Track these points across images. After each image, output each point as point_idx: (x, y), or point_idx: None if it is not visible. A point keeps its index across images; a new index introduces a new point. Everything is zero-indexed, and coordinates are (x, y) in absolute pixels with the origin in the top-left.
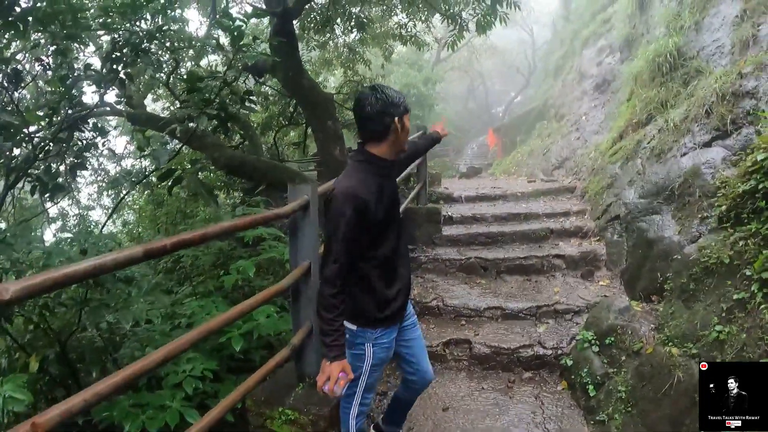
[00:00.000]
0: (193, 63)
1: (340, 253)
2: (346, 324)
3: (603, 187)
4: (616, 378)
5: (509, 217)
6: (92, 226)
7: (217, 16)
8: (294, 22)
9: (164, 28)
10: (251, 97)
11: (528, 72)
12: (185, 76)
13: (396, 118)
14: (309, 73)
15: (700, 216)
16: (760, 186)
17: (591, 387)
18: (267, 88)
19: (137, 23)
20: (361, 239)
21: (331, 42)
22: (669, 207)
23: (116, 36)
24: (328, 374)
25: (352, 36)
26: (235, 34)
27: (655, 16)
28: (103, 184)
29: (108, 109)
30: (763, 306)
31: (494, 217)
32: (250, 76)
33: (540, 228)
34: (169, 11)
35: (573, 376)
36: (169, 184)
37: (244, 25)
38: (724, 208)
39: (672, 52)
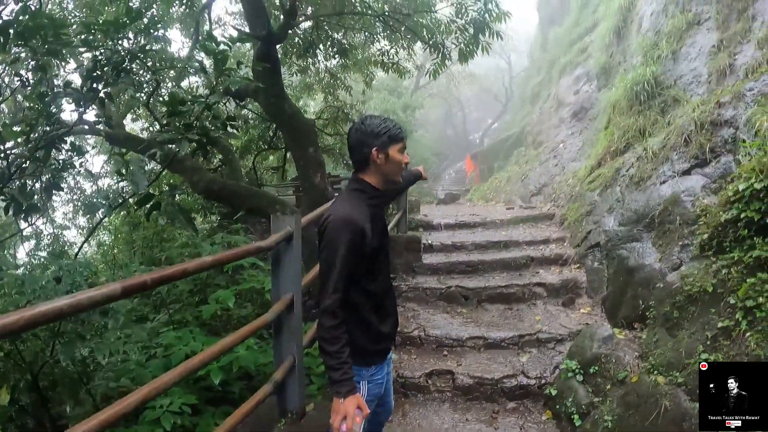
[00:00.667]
0: (174, 84)
1: (339, 282)
2: None
3: (582, 214)
4: (602, 407)
5: (489, 245)
6: (67, 246)
7: (201, 38)
8: (277, 46)
9: (146, 47)
10: (233, 122)
11: (505, 99)
12: (166, 98)
13: (375, 149)
14: (290, 97)
15: (680, 243)
16: (743, 215)
17: (576, 417)
18: (247, 111)
19: (119, 42)
20: (357, 269)
21: (312, 67)
22: (649, 234)
23: (98, 54)
24: (344, 413)
25: (334, 62)
26: (219, 57)
27: (633, 45)
28: (79, 204)
29: (86, 127)
30: (748, 334)
31: (474, 245)
32: (230, 98)
33: (520, 256)
34: (152, 31)
35: (558, 406)
36: (147, 209)
37: (229, 50)
38: (706, 236)
39: (649, 81)
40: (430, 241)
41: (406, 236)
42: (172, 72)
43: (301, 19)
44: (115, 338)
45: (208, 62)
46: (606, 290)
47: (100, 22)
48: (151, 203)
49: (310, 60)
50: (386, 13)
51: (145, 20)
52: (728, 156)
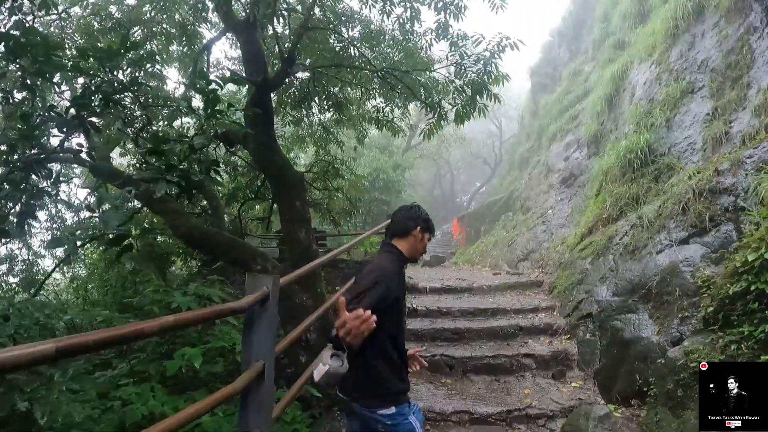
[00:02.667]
0: (166, 123)
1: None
2: (385, 412)
3: (573, 282)
4: None
5: (476, 312)
6: (39, 275)
7: (194, 78)
8: (272, 95)
9: (140, 80)
10: (217, 167)
11: (494, 163)
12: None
13: (419, 228)
14: (281, 148)
15: (680, 316)
16: (752, 287)
17: None
18: (236, 158)
19: (113, 72)
20: (384, 318)
21: (306, 119)
22: (646, 306)
23: (88, 81)
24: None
25: (328, 115)
26: (210, 97)
27: (625, 113)
28: (57, 233)
29: (71, 156)
30: None
31: (461, 311)
32: (221, 143)
33: (508, 325)
34: (147, 65)
35: None
36: (119, 250)
37: (220, 90)
38: (711, 309)
39: (643, 149)
40: (415, 305)
41: None
42: (165, 110)
43: (298, 68)
44: (59, 392)
45: (199, 103)
46: (599, 363)
47: (96, 48)
48: (123, 245)
49: (304, 112)
50: (384, 69)
51: (142, 53)
52: (729, 225)
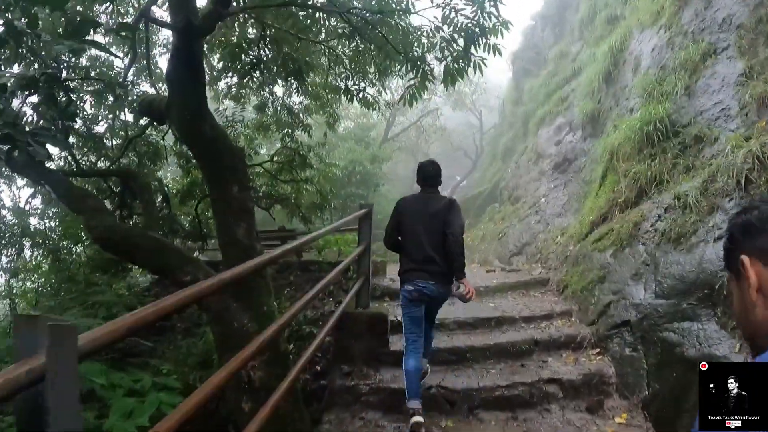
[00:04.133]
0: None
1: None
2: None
3: (591, 281)
4: None
5: (477, 322)
6: None
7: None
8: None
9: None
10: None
11: (475, 156)
12: None
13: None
14: (243, 137)
15: None
16: None
17: None
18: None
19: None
20: None
21: (270, 104)
22: (711, 312)
23: None
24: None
25: (296, 99)
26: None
27: (628, 87)
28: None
29: None
30: None
31: (457, 323)
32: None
33: (521, 339)
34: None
35: None
36: None
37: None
38: None
39: (663, 120)
40: (399, 317)
41: (369, 313)
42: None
43: (234, 7)
44: None
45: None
46: (648, 389)
47: None
48: None
49: (266, 92)
50: (352, 10)
51: None
52: None
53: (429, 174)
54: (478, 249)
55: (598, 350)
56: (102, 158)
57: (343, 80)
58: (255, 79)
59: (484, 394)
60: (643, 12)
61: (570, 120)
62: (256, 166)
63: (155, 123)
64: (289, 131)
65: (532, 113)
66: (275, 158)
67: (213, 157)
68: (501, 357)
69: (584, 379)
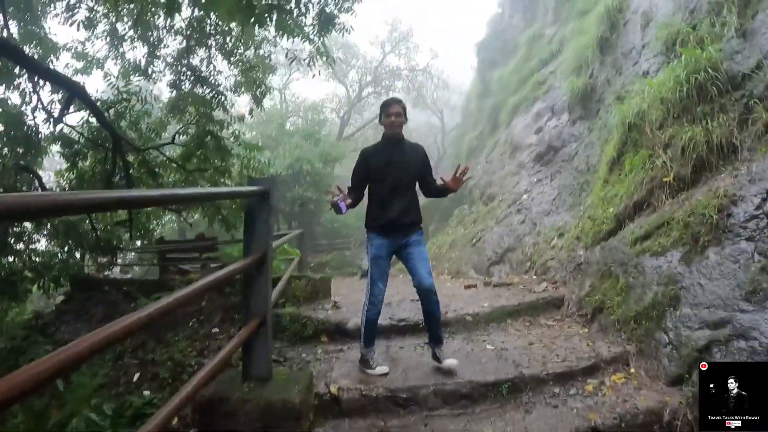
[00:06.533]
0: None
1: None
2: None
3: (653, 303)
4: None
5: (476, 391)
6: None
7: None
8: None
9: None
10: None
11: (437, 157)
12: None
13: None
14: (137, 118)
15: None
16: None
17: None
18: (72, 130)
19: None
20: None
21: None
22: None
23: None
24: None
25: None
26: None
27: (635, 49)
28: None
29: None
30: None
31: (442, 394)
32: None
33: (564, 429)
34: None
35: None
36: None
37: None
38: None
39: (717, 67)
40: (338, 382)
41: (264, 400)
42: None
43: None
44: None
45: None
46: None
47: None
48: None
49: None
50: None
51: None
52: None
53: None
54: (447, 257)
55: None
56: None
57: None
58: None
59: None
60: None
61: (551, 104)
62: (151, 149)
63: None
64: (206, 109)
65: (502, 103)
66: (181, 137)
67: None
68: None
69: None
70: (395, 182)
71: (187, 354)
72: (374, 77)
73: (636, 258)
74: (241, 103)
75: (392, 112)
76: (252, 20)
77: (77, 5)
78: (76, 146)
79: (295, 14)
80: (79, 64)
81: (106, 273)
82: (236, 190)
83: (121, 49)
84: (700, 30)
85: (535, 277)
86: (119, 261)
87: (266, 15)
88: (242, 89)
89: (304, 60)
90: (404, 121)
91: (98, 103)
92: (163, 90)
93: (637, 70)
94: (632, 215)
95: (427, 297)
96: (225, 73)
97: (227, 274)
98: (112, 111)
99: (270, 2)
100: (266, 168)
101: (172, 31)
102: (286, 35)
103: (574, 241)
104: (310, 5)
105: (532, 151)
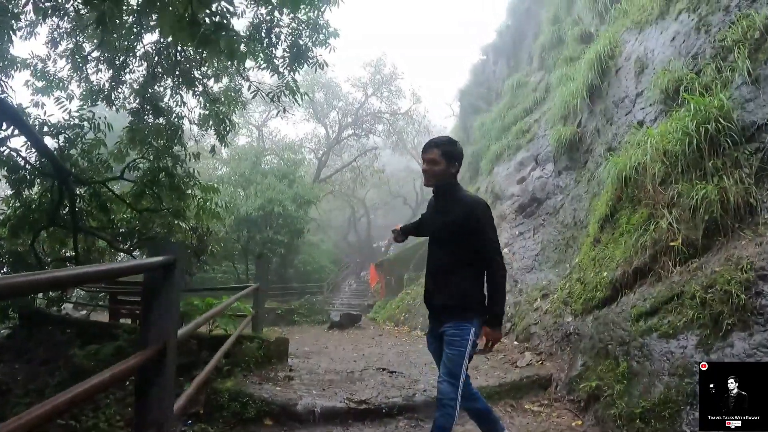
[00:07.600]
0: None
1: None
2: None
3: (666, 401)
4: None
5: None
6: None
7: None
8: None
9: None
10: None
11: (415, 203)
12: None
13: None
14: (89, 148)
15: None
16: None
17: None
18: (17, 155)
19: None
20: None
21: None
22: None
23: None
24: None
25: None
26: None
27: (628, 97)
28: None
29: None
30: None
31: None
32: None
33: None
34: None
35: None
36: None
37: None
38: None
39: (729, 115)
40: None
41: None
42: None
43: None
44: None
45: None
46: None
47: None
48: None
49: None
50: None
51: None
52: None
53: None
54: (418, 310)
55: None
56: None
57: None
58: None
59: None
60: (636, 12)
61: (536, 153)
62: (96, 184)
63: None
64: (164, 143)
65: (484, 151)
66: (131, 173)
67: None
68: None
69: None
70: (431, 245)
71: (114, 423)
72: (355, 119)
73: (640, 338)
74: (210, 138)
75: (424, 159)
76: (196, 41)
77: (39, 21)
78: (21, 172)
79: (264, 44)
80: (39, 83)
81: (62, 307)
82: (132, 264)
83: (84, 71)
84: (705, 76)
85: (516, 343)
86: (72, 297)
87: (212, 35)
88: (210, 123)
89: (268, 95)
90: (439, 170)
91: (45, 128)
92: (124, 120)
93: (631, 119)
94: (632, 283)
95: (437, 406)
96: (191, 104)
97: (113, 377)
98: (62, 137)
99: (216, 21)
100: (224, 213)
101: (137, 57)
102: (257, 66)
103: (560, 306)
104: (281, 35)
105: (515, 201)
